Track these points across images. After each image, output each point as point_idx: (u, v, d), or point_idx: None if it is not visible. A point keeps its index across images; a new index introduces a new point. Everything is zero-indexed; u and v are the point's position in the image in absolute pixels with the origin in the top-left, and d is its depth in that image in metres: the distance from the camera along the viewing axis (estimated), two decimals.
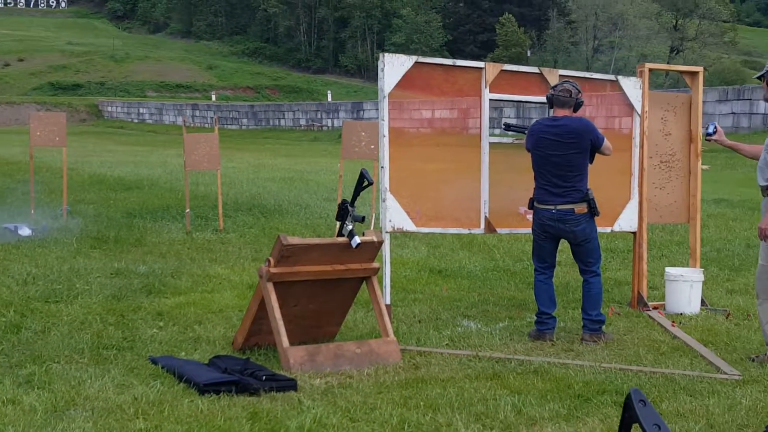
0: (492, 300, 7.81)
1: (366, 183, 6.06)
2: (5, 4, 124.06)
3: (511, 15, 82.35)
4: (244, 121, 54.97)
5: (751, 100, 28.53)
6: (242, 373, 5.12)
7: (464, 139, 7.20)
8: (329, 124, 48.28)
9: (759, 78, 6.09)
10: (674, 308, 7.50)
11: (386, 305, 6.39)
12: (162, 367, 5.36)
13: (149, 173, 20.25)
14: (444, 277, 8.88)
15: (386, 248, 6.56)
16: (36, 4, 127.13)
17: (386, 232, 6.61)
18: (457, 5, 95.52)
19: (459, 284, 8.53)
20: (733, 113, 29.14)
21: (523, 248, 10.12)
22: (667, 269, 7.79)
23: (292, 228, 11.78)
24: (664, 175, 7.96)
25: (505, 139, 7.55)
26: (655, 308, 7.57)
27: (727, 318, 7.27)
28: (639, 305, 7.62)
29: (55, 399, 4.77)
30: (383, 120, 6.66)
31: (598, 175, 6.80)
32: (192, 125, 52.30)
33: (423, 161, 7.00)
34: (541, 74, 7.33)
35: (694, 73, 8.11)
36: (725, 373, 5.60)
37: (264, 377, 5.07)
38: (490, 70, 7.14)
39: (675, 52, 72.16)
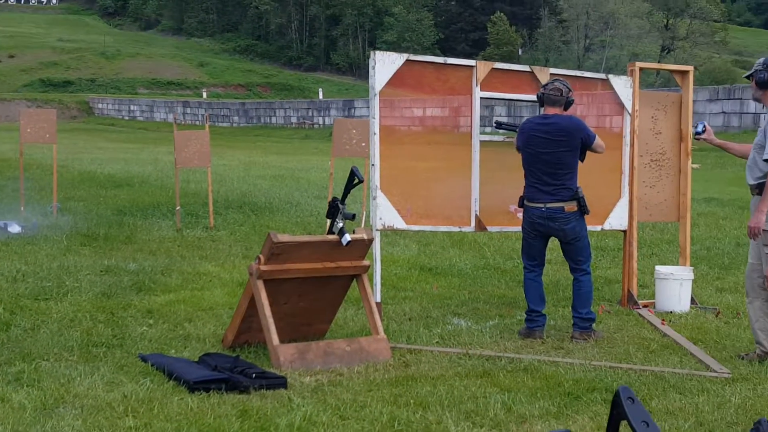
0: (482, 298, 7.82)
1: (356, 181, 6.06)
2: None
3: (502, 13, 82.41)
4: (235, 118, 54.90)
5: (741, 99, 28.62)
6: (232, 371, 5.11)
7: (455, 138, 7.20)
8: (320, 122, 48.27)
9: (748, 77, 6.11)
10: (664, 306, 7.52)
11: (376, 303, 6.39)
12: (152, 365, 5.35)
13: (140, 170, 20.20)
14: (434, 275, 8.89)
15: (377, 246, 6.56)
16: (27, 1, 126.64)
17: (377, 229, 6.61)
18: (448, 3, 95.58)
19: (449, 282, 8.54)
20: (724, 112, 29.23)
21: (514, 246, 10.13)
22: (657, 267, 7.81)
23: (283, 225, 11.77)
24: (654, 173, 7.99)
25: (495, 138, 7.56)
26: (645, 306, 7.59)
27: (716, 316, 7.30)
28: (629, 303, 7.64)
29: (44, 397, 4.76)
30: (374, 118, 6.65)
31: (588, 174, 6.81)
32: (183, 122, 52.24)
33: (414, 159, 7.00)
34: (532, 73, 7.33)
35: (685, 73, 8.13)
36: (715, 371, 5.62)
37: (254, 375, 5.06)
38: (481, 68, 7.15)
39: (666, 52, 72.32)
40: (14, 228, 10.71)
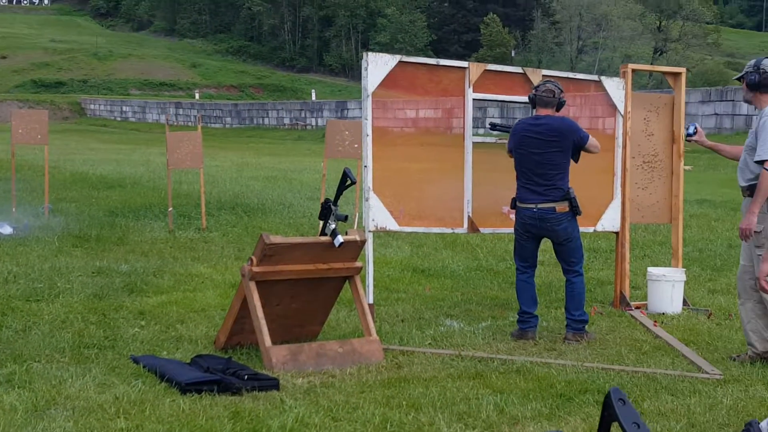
0: (475, 299, 7.82)
1: (349, 182, 6.06)
2: None
3: (495, 15, 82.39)
4: (228, 119, 54.83)
5: (733, 101, 28.71)
6: (224, 373, 5.10)
7: (448, 139, 7.21)
8: (313, 123, 48.22)
9: (738, 79, 6.12)
10: (656, 308, 7.54)
11: (369, 304, 6.39)
12: (143, 367, 5.34)
13: (132, 171, 20.16)
14: (427, 276, 8.89)
15: (369, 247, 6.56)
16: (19, 1, 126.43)
17: (369, 231, 6.61)
18: (441, 5, 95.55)
19: (442, 284, 8.54)
20: (716, 114, 29.31)
21: (506, 248, 10.13)
22: (650, 269, 7.82)
23: (275, 227, 11.76)
24: (646, 175, 8.00)
25: (488, 139, 7.56)
26: (637, 308, 7.61)
27: (708, 318, 7.31)
28: (621, 305, 7.65)
29: (35, 398, 4.74)
30: (367, 119, 6.65)
31: (580, 175, 6.82)
32: (175, 123, 52.11)
33: (406, 160, 7.00)
34: (524, 74, 7.35)
35: (677, 74, 8.15)
36: (706, 373, 5.63)
37: (246, 376, 5.05)
38: (474, 69, 7.15)
39: (658, 53, 72.42)
40: (5, 229, 10.67)
